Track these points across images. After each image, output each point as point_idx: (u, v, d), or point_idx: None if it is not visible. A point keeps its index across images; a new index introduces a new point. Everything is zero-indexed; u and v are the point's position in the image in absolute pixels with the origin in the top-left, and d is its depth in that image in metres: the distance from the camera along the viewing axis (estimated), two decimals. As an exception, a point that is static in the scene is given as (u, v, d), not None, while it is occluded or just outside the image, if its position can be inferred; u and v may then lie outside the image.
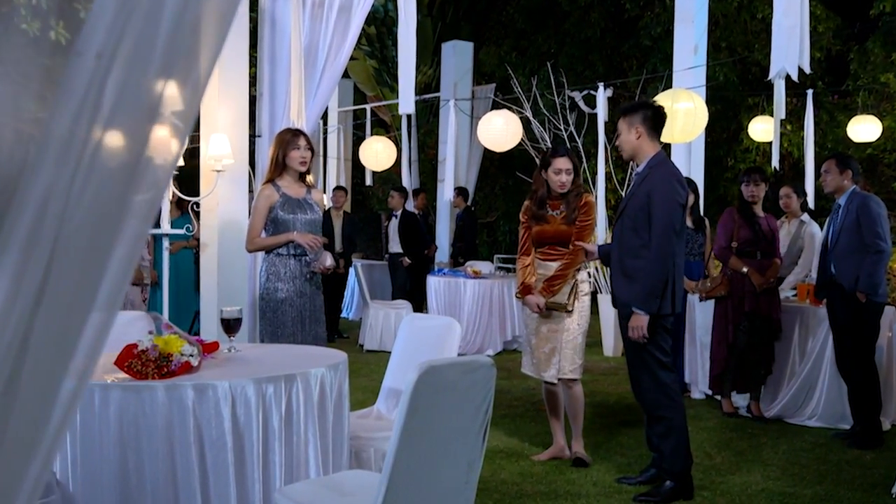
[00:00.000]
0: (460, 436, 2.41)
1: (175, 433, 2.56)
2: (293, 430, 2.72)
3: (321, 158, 14.89)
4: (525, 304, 4.66)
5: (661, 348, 4.15)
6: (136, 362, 2.66)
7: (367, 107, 13.80)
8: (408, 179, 11.75)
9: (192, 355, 2.75)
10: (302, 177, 4.52)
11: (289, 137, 4.46)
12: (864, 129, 8.31)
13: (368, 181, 12.99)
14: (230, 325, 3.25)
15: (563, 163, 4.56)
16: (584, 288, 4.71)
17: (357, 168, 13.76)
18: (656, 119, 4.22)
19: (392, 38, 18.04)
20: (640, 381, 4.23)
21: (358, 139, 13.17)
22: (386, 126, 16.78)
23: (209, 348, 3.15)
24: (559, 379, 4.65)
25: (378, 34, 16.59)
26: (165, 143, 0.92)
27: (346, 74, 17.04)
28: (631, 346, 4.20)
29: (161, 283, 5.62)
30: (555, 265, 4.64)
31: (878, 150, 10.07)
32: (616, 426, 5.69)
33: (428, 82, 16.82)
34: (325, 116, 15.08)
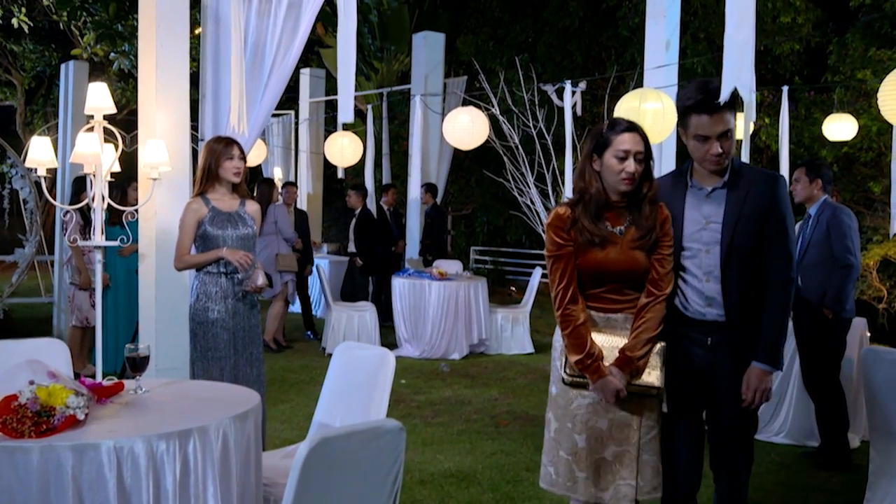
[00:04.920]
0: (364, 509, 2.16)
1: (52, 501, 2.29)
2: (190, 493, 2.45)
3: (293, 152, 14.56)
4: (597, 390, 2.88)
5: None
6: (12, 418, 2.38)
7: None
8: (370, 177, 11.45)
9: (78, 408, 2.48)
10: (235, 188, 4.27)
11: (221, 147, 4.21)
12: (840, 127, 8.06)
13: (340, 174, 12.66)
14: (136, 364, 2.98)
15: (631, 140, 2.86)
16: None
17: (329, 161, 13.43)
18: None
19: (367, 24, 17.67)
20: (729, 436, 3.13)
21: (331, 132, 12.79)
22: (363, 116, 16.43)
23: (111, 391, 2.88)
24: None
25: (352, 21, 16.21)
26: None
27: (319, 63, 16.78)
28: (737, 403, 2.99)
29: (96, 294, 5.31)
30: (621, 318, 2.95)
31: (854, 149, 9.84)
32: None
33: (405, 70, 16.51)
34: (296, 108, 14.75)
